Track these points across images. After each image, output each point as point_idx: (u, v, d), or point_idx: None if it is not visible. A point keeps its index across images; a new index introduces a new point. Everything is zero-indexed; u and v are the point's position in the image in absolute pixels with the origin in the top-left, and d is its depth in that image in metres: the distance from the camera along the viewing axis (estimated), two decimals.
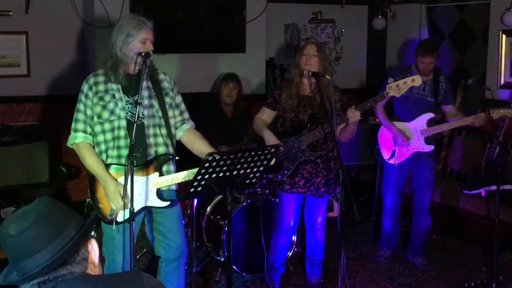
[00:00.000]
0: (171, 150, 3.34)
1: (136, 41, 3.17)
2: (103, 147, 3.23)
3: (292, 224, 4.14)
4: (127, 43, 3.18)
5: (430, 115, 4.65)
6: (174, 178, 3.26)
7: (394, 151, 4.69)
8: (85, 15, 5.46)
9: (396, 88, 3.85)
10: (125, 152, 3.17)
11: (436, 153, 4.93)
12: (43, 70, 5.45)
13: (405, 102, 4.66)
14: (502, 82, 5.43)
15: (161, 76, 3.38)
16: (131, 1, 5.28)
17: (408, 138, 4.62)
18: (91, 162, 3.20)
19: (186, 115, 3.48)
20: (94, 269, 1.62)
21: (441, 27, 6.24)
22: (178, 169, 3.35)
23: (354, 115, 3.80)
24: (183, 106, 3.47)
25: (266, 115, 4.11)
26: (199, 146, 3.42)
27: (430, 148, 4.67)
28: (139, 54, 3.14)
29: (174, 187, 3.37)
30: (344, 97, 4.08)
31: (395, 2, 6.56)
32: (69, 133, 3.28)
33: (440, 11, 6.26)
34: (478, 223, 5.27)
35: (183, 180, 3.26)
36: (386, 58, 6.72)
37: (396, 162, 4.69)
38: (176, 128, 3.42)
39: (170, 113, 3.34)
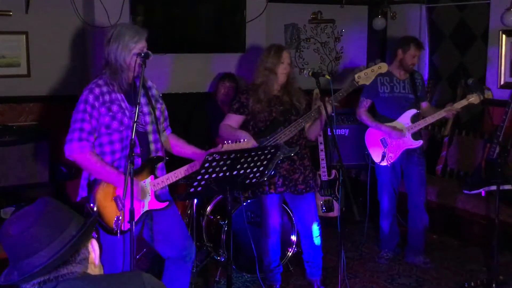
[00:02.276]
0: (163, 153, 3.38)
1: (135, 50, 3.17)
2: (108, 158, 3.20)
3: (278, 224, 4.15)
4: (129, 51, 3.16)
5: (413, 111, 4.67)
6: (169, 177, 3.26)
7: (384, 153, 4.69)
8: (85, 15, 5.46)
9: (365, 76, 3.91)
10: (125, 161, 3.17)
11: (436, 153, 4.94)
12: (43, 70, 5.45)
13: (389, 102, 4.69)
14: (502, 82, 5.44)
15: (149, 83, 3.41)
16: (131, 1, 5.28)
17: (402, 131, 4.62)
18: (101, 165, 3.13)
19: (168, 121, 3.53)
20: (94, 269, 1.62)
21: (441, 27, 6.24)
22: (167, 170, 3.38)
23: (330, 108, 3.79)
24: (167, 113, 3.50)
25: (233, 121, 4.03)
26: (179, 148, 3.48)
27: (419, 143, 4.67)
28: (139, 54, 3.14)
29: (166, 188, 3.38)
30: (307, 96, 4.14)
31: (395, 2, 6.56)
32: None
33: (440, 11, 6.26)
34: (478, 223, 5.26)
35: (177, 179, 3.27)
36: (386, 58, 6.72)
37: (389, 162, 4.69)
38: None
39: (161, 118, 3.38)
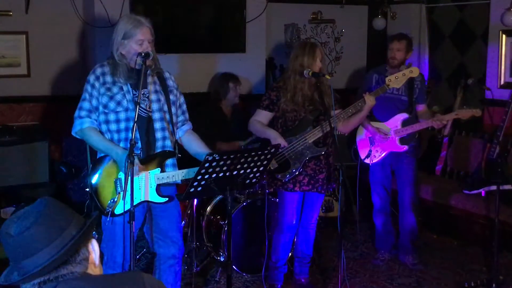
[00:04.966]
0: (174, 146, 3.37)
1: (132, 42, 3.20)
2: (107, 136, 3.25)
3: (294, 222, 4.15)
4: (124, 45, 3.20)
5: (404, 115, 4.62)
6: (175, 175, 3.26)
7: (370, 151, 4.68)
8: (85, 15, 5.46)
9: (396, 80, 4.01)
10: (124, 144, 3.19)
11: (436, 153, 4.92)
12: (43, 70, 5.45)
13: (380, 102, 4.66)
14: (502, 82, 5.44)
15: (167, 75, 3.44)
16: (131, 1, 5.28)
17: (386, 133, 4.60)
18: (98, 139, 3.22)
19: (187, 115, 3.54)
20: (94, 269, 1.62)
21: (441, 27, 6.25)
22: (178, 168, 3.37)
23: (371, 99, 3.95)
24: (185, 107, 3.51)
25: (263, 117, 4.10)
26: (197, 148, 3.45)
27: (404, 148, 4.62)
28: (139, 54, 3.16)
29: (174, 185, 3.38)
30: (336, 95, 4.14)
31: (395, 2, 6.56)
32: (69, 134, 3.29)
33: (440, 11, 6.27)
34: (478, 223, 5.26)
35: (183, 178, 3.27)
36: (386, 58, 6.71)
37: (371, 161, 4.68)
38: (177, 128, 3.44)
39: (173, 110, 3.37)
